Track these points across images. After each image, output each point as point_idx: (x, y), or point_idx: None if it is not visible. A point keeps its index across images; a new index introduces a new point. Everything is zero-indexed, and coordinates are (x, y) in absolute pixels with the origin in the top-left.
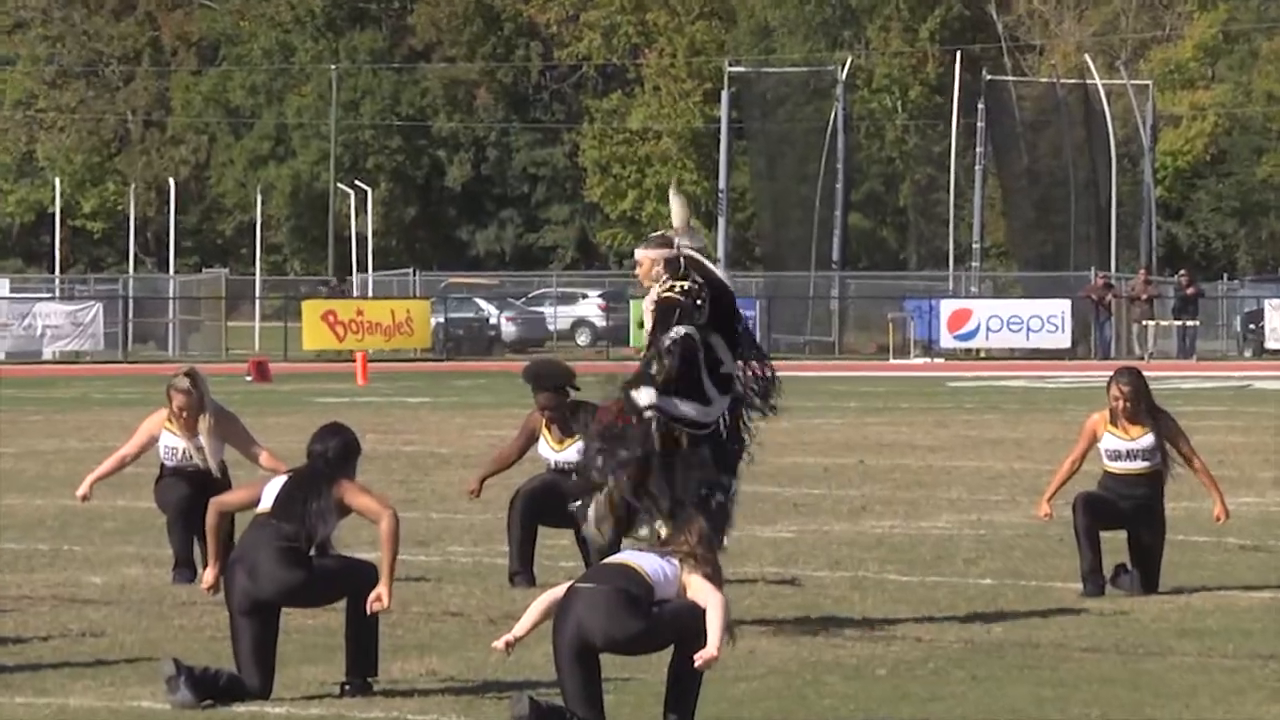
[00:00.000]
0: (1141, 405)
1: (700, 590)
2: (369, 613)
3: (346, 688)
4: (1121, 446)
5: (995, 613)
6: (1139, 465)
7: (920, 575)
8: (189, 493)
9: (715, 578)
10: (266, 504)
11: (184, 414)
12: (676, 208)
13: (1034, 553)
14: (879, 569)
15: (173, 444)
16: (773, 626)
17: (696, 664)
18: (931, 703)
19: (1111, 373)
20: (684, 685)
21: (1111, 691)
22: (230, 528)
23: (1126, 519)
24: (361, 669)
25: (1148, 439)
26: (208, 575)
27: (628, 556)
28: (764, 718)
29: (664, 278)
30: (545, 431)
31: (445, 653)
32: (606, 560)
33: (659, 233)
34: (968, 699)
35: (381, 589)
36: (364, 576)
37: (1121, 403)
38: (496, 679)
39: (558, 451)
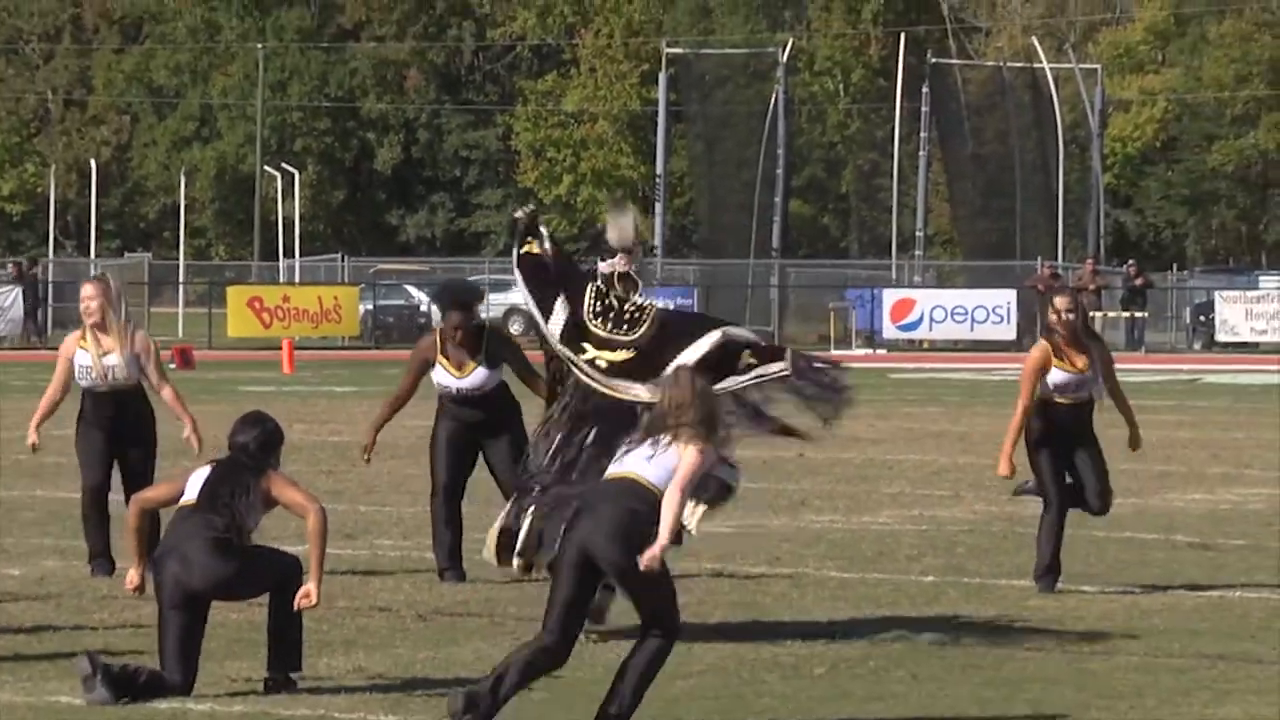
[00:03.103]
0: (1083, 328)
1: (677, 473)
2: (296, 609)
3: (270, 683)
4: (1071, 379)
5: (937, 611)
6: (1083, 395)
7: (861, 572)
8: (101, 480)
9: (701, 448)
10: (191, 495)
11: (94, 312)
12: (616, 225)
13: (977, 549)
14: (819, 565)
15: (86, 361)
16: (710, 624)
17: (642, 562)
18: (871, 702)
19: (1043, 293)
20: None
21: (1056, 692)
22: (154, 526)
23: (1073, 444)
24: (285, 664)
25: (1091, 368)
26: (132, 575)
27: (632, 468)
28: (701, 717)
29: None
30: (442, 358)
31: (372, 649)
32: (612, 475)
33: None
34: (908, 699)
35: (310, 586)
36: (291, 570)
37: (1071, 318)
38: (425, 676)
39: (458, 378)
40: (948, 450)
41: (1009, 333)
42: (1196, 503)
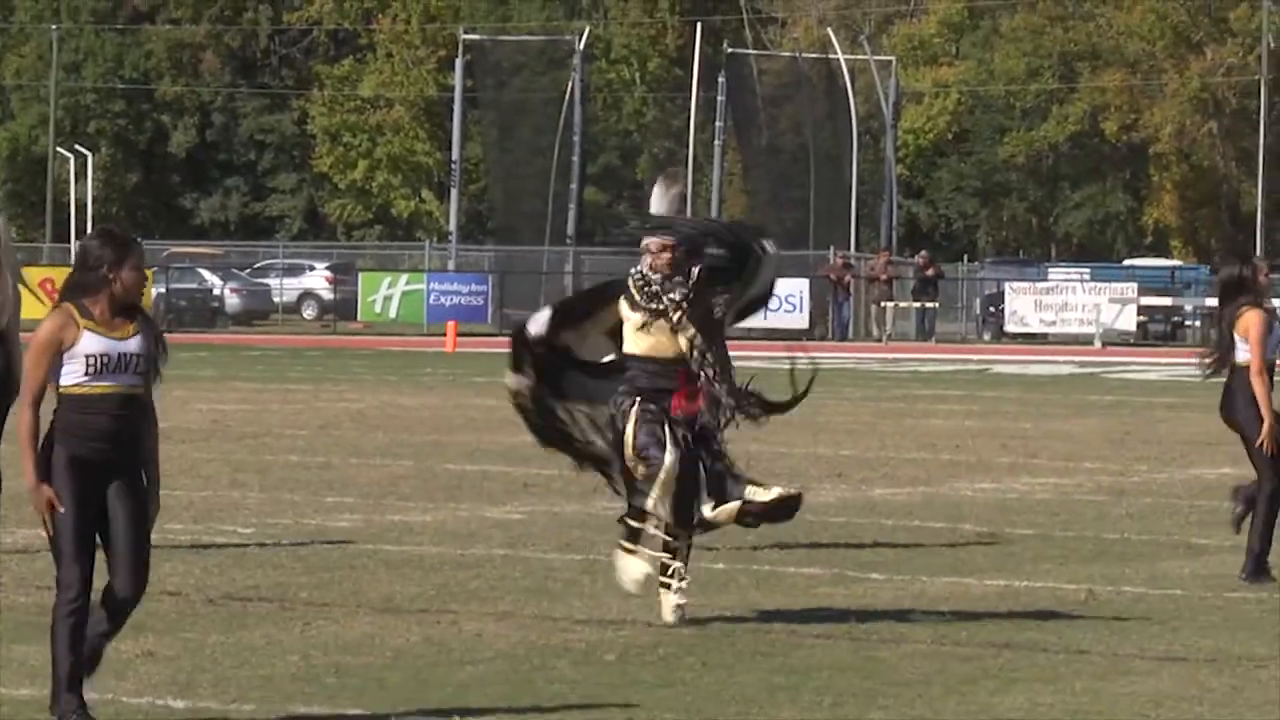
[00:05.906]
0: None
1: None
2: None
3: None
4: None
5: (727, 597)
6: None
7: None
8: None
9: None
10: None
11: None
12: (657, 194)
13: (767, 536)
14: (610, 551)
15: None
16: (501, 609)
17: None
18: (661, 689)
19: (1240, 261)
20: None
21: (844, 679)
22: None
23: None
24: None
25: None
26: None
27: None
28: (489, 703)
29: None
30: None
31: (161, 633)
32: None
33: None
34: (698, 686)
35: None
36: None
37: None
38: (214, 659)
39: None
40: (741, 437)
41: (801, 321)
42: (984, 492)
